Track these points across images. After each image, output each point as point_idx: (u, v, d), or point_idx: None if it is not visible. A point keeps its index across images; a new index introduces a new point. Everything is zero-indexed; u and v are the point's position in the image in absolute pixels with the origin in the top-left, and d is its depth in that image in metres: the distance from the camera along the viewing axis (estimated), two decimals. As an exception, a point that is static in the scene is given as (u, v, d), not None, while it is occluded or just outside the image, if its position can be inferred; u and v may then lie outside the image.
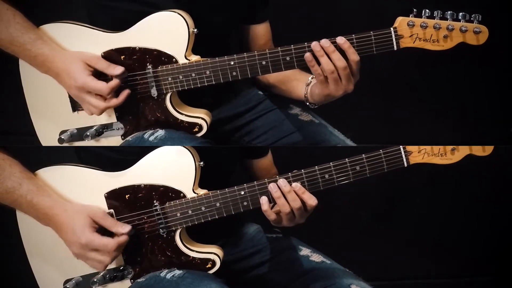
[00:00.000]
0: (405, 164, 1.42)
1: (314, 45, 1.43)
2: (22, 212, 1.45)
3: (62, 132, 1.54)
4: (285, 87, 1.66)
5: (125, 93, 1.47)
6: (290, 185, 1.40)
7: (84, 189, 1.45)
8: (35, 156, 1.50)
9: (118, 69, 1.45)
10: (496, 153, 2.37)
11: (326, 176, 1.41)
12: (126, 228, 1.41)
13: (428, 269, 2.51)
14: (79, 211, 1.41)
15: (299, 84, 1.60)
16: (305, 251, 1.63)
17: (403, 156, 1.41)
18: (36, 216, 1.43)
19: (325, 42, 1.42)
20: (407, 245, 2.46)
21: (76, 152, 1.59)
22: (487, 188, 2.46)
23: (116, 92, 1.46)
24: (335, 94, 1.47)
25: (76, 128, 1.54)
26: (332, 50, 1.42)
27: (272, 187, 1.40)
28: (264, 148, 1.71)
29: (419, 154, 1.41)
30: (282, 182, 1.40)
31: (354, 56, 1.42)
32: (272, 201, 1.41)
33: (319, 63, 1.43)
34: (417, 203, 2.46)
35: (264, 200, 1.41)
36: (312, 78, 1.56)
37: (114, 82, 1.45)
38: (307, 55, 1.43)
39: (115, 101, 1.47)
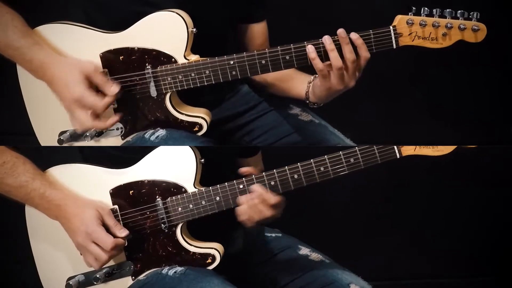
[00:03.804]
0: (398, 156, 1.42)
1: (326, 38, 1.43)
2: (32, 207, 1.47)
3: (61, 133, 1.55)
4: (285, 85, 1.66)
5: (114, 119, 1.46)
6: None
7: (90, 186, 1.48)
8: (37, 157, 1.51)
9: (114, 88, 1.43)
10: (496, 153, 2.40)
11: (322, 168, 1.43)
12: (124, 232, 1.43)
13: (428, 269, 2.52)
14: (89, 204, 1.44)
15: (298, 82, 1.61)
16: (304, 251, 1.63)
17: (395, 147, 1.43)
18: (48, 208, 1.45)
19: (342, 32, 1.43)
20: (407, 245, 2.47)
21: (81, 151, 1.61)
22: (488, 188, 2.46)
23: None
24: (336, 88, 1.47)
25: (76, 129, 1.54)
26: (347, 42, 1.43)
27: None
28: (256, 148, 1.72)
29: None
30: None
31: (366, 53, 1.44)
32: None
33: (321, 58, 1.44)
34: (417, 203, 2.46)
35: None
36: (314, 77, 1.56)
37: (109, 99, 1.43)
38: (310, 48, 1.43)
39: (101, 124, 1.45)
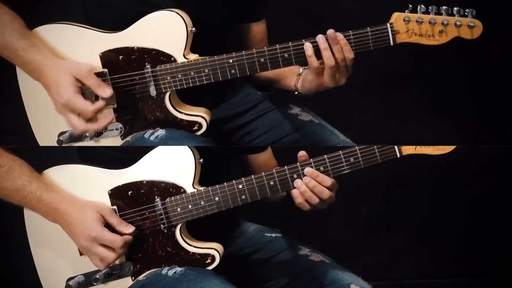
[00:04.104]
0: (398, 155, 1.43)
1: (320, 37, 1.44)
2: (30, 210, 1.47)
3: (60, 134, 1.54)
4: (274, 77, 1.67)
5: (107, 120, 1.47)
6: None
7: (89, 187, 1.47)
8: (35, 158, 1.52)
9: (107, 92, 1.44)
10: (496, 153, 2.39)
11: (321, 168, 1.43)
12: (130, 228, 1.43)
13: (428, 269, 2.52)
14: (89, 206, 1.43)
15: (286, 73, 1.63)
16: (304, 251, 1.64)
17: (395, 147, 1.43)
18: (46, 211, 1.44)
19: (332, 33, 1.44)
20: (407, 245, 2.47)
21: (78, 152, 1.61)
22: (487, 188, 2.46)
23: None
24: (327, 86, 1.50)
25: (75, 129, 1.55)
26: (336, 42, 1.44)
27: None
28: (257, 147, 1.72)
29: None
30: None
31: (349, 53, 1.45)
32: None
33: (317, 56, 1.45)
34: (417, 204, 2.46)
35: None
36: (303, 69, 1.57)
37: (100, 104, 1.44)
38: (307, 46, 1.45)
39: (95, 126, 1.46)
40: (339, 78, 1.48)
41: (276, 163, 1.73)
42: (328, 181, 1.42)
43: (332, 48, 1.44)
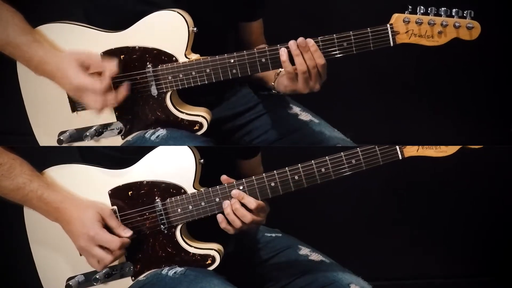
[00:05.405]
0: (400, 157, 1.42)
1: (292, 44, 1.46)
2: (31, 208, 1.47)
3: (61, 133, 1.55)
4: (265, 80, 1.66)
5: (123, 89, 1.47)
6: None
7: (89, 186, 1.47)
8: (35, 157, 1.51)
9: (112, 67, 1.44)
10: (496, 153, 2.40)
11: (323, 169, 1.42)
12: (128, 232, 1.43)
13: (428, 269, 2.52)
14: (89, 206, 1.43)
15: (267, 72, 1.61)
16: (304, 251, 1.63)
17: (397, 147, 1.42)
18: (46, 210, 1.44)
19: (301, 41, 1.45)
20: (407, 245, 2.47)
21: (79, 151, 1.60)
22: (488, 188, 2.47)
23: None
24: (302, 91, 1.50)
25: (76, 129, 1.55)
26: (306, 50, 1.45)
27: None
28: (257, 149, 1.72)
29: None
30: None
31: (320, 59, 1.46)
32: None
33: (291, 61, 1.46)
34: (417, 204, 2.46)
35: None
36: (282, 70, 1.57)
37: (107, 79, 1.43)
38: (282, 52, 1.46)
39: (113, 98, 1.46)
40: (313, 84, 1.48)
41: (263, 170, 1.72)
42: (253, 203, 1.42)
43: (303, 55, 1.45)
